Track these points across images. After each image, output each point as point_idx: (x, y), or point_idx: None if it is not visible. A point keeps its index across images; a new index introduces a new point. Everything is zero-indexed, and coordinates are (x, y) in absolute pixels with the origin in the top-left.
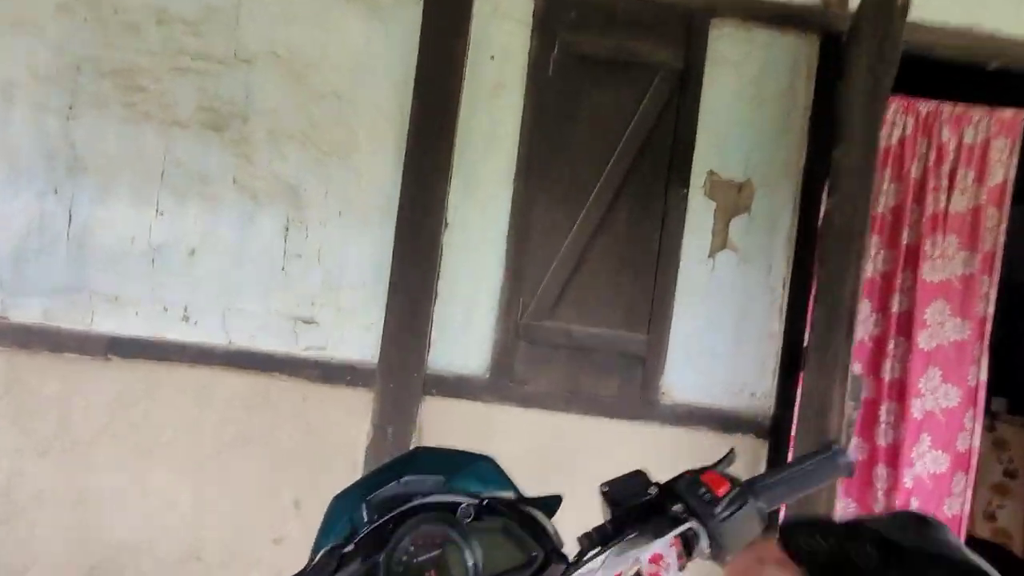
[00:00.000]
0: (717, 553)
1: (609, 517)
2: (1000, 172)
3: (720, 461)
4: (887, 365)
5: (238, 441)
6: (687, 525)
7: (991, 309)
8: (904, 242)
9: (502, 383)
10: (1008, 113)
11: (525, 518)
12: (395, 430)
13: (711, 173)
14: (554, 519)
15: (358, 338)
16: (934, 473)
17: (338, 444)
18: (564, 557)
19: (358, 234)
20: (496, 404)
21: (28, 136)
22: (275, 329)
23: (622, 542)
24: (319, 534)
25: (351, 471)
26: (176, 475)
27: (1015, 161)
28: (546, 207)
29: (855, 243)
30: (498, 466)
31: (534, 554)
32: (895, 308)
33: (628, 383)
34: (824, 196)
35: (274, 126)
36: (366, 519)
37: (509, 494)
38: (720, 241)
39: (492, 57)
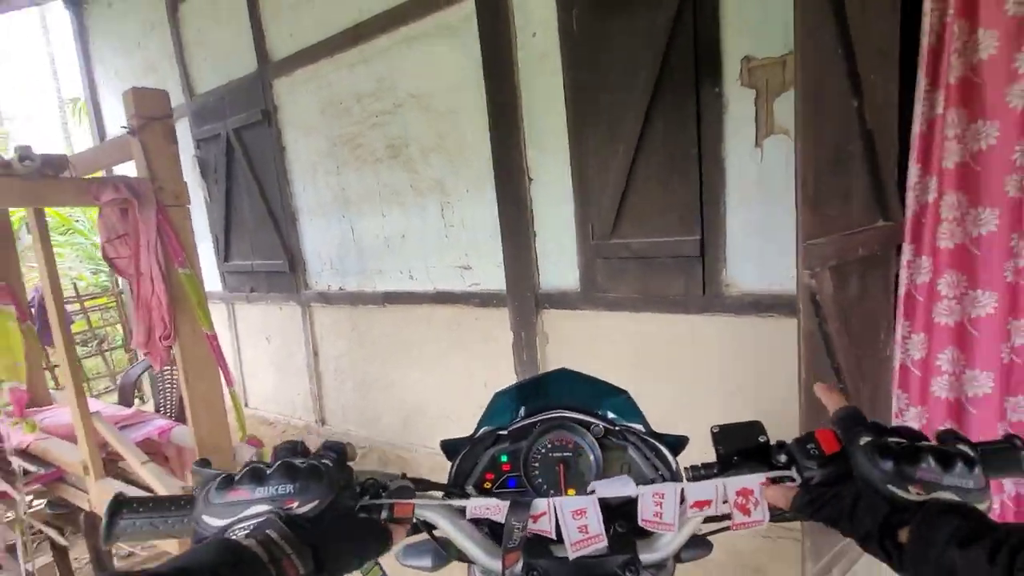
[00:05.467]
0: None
1: (716, 455)
2: None
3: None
4: None
5: (449, 349)
6: (783, 472)
7: None
8: None
9: (591, 294)
10: None
11: (649, 447)
12: (525, 334)
13: (747, 59)
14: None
15: (495, 274)
16: None
17: (497, 345)
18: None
19: (480, 201)
20: (590, 311)
21: (326, 189)
22: (451, 276)
23: (720, 476)
24: (483, 416)
25: (508, 361)
26: (423, 371)
27: None
28: (594, 143)
29: None
30: (632, 401)
31: (650, 477)
32: None
33: (691, 281)
34: None
35: (423, 145)
36: (521, 415)
37: (639, 427)
38: (767, 127)
39: (534, 34)
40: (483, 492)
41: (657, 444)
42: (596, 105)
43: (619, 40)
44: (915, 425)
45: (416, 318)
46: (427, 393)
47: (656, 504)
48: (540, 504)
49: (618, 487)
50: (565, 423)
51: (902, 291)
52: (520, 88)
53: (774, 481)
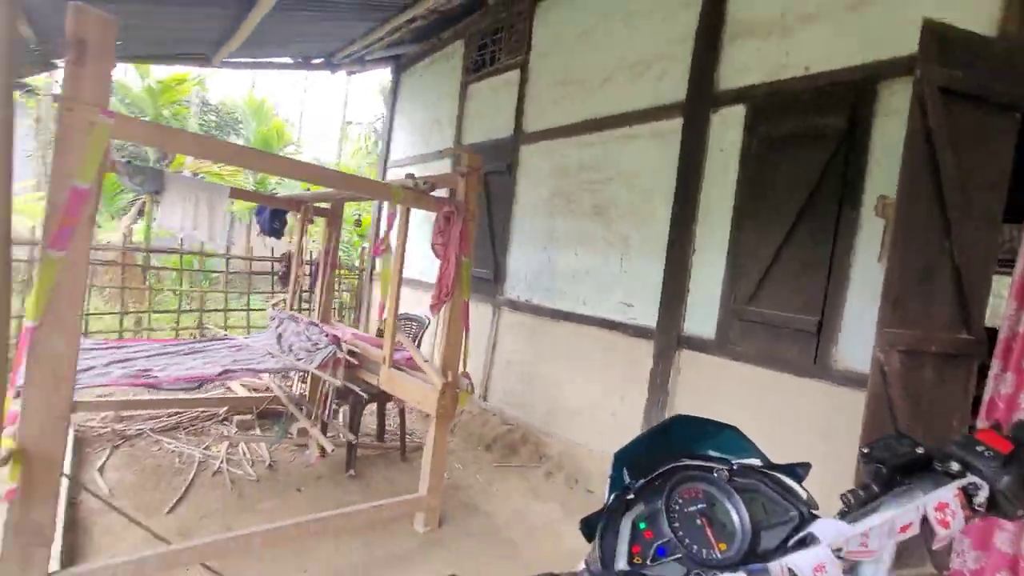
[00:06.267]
0: (1007, 508)
1: (871, 476)
2: None
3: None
4: None
5: (599, 364)
6: (969, 479)
7: None
8: None
9: (724, 345)
10: None
11: (774, 481)
12: (663, 365)
13: (883, 197)
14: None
15: (650, 314)
16: None
17: (638, 369)
18: (817, 517)
19: (651, 261)
20: (720, 358)
21: (539, 227)
22: (616, 309)
23: (897, 495)
24: (609, 482)
25: (644, 383)
26: (574, 377)
27: None
28: (749, 236)
29: None
30: (742, 434)
31: (792, 513)
32: None
33: (806, 351)
34: None
35: (621, 210)
36: (627, 478)
37: (755, 460)
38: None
39: (721, 150)
40: (635, 567)
41: (782, 477)
42: (757, 207)
43: (784, 166)
44: None
45: (580, 335)
46: (574, 395)
47: (862, 545)
48: (774, 569)
49: (842, 530)
50: (688, 474)
51: (986, 396)
52: (702, 184)
53: (963, 490)
